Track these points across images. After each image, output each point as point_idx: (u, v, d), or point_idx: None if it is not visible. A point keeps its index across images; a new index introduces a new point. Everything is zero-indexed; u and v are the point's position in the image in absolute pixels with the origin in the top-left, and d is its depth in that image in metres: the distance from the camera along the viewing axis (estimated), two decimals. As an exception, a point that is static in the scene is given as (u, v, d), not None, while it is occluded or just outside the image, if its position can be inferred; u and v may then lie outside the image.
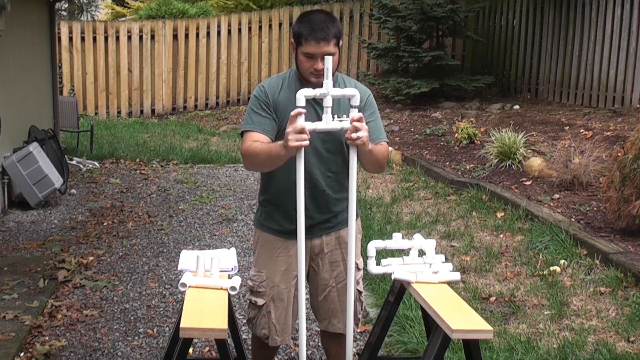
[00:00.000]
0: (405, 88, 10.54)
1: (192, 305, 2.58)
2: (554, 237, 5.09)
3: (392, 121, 10.12)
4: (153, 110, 12.69)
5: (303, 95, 2.53)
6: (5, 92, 6.68)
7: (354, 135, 2.56)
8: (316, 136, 2.70)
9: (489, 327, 2.49)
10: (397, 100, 10.87)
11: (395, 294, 2.95)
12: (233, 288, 2.74)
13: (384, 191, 7.09)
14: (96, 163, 8.54)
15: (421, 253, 2.95)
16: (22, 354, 3.63)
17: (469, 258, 5.02)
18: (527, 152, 7.17)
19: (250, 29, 12.79)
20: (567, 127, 8.07)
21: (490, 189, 6.45)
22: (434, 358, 2.52)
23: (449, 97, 10.92)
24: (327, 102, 2.55)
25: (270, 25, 12.85)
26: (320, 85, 2.59)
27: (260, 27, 12.84)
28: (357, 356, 3.56)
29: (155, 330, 3.99)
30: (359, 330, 3.84)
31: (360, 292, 3.01)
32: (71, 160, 8.40)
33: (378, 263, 2.93)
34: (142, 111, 12.66)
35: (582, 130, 7.77)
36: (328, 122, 2.58)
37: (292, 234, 2.75)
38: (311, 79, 2.69)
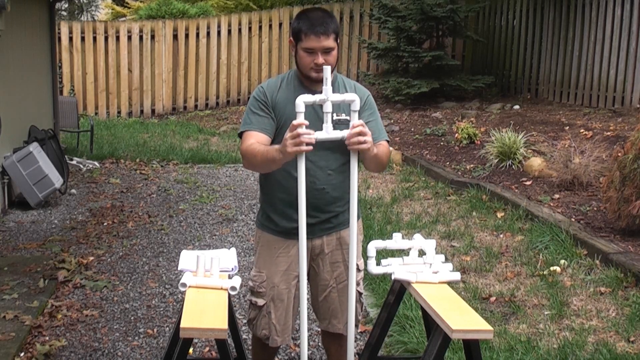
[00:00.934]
0: (405, 88, 10.53)
1: (192, 305, 2.58)
2: (554, 237, 5.09)
3: (392, 121, 10.12)
4: (153, 110, 12.69)
5: (302, 101, 2.52)
6: (5, 92, 6.68)
7: (361, 138, 2.56)
8: (316, 129, 2.72)
9: (489, 327, 2.49)
10: (397, 100, 10.87)
11: (395, 294, 2.95)
12: (233, 288, 2.74)
13: (384, 191, 7.10)
14: (96, 163, 8.54)
15: (421, 253, 2.95)
16: (22, 354, 3.63)
17: (469, 258, 5.02)
18: (527, 152, 7.17)
19: (250, 29, 12.79)
20: (567, 127, 8.07)
21: (491, 189, 6.45)
22: (434, 358, 2.52)
23: (449, 97, 10.92)
24: (327, 108, 2.54)
25: (270, 25, 12.85)
26: (321, 81, 2.61)
27: (260, 27, 12.84)
28: (357, 356, 3.55)
29: (155, 330, 3.99)
30: (359, 331, 3.84)
31: (360, 293, 3.01)
32: (71, 160, 8.40)
33: (378, 263, 2.93)
34: (142, 111, 12.66)
35: (582, 130, 7.77)
36: (329, 132, 2.58)
37: (292, 234, 2.76)
38: (311, 74, 2.71)
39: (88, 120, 10.40)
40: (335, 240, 2.91)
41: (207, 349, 3.75)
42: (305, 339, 2.65)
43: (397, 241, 2.92)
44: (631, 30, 8.75)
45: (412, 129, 9.68)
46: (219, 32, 12.69)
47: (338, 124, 2.72)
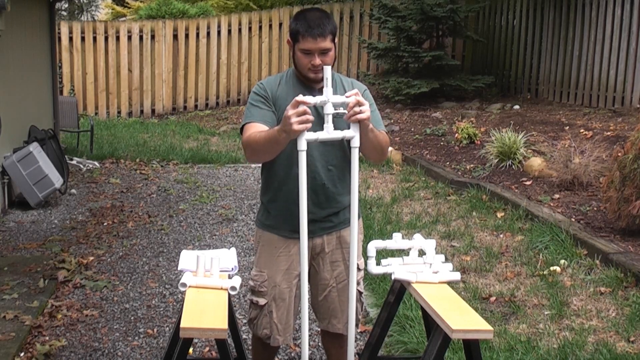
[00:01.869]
0: (405, 88, 10.54)
1: (192, 305, 2.58)
2: (554, 237, 5.09)
3: (392, 121, 10.12)
4: (153, 110, 12.69)
5: (302, 99, 2.48)
6: (5, 92, 6.68)
7: (357, 109, 2.51)
8: (316, 128, 2.71)
9: (489, 327, 2.49)
10: (397, 100, 10.87)
11: (395, 294, 2.95)
12: (233, 288, 2.74)
13: (384, 191, 7.10)
14: (96, 163, 8.54)
15: (421, 253, 2.95)
16: (22, 354, 3.63)
17: (469, 258, 5.02)
18: (527, 152, 7.17)
19: (250, 29, 12.79)
20: (567, 127, 8.07)
21: (491, 189, 6.45)
22: (434, 358, 2.52)
23: (449, 97, 10.92)
24: (328, 110, 2.52)
25: (270, 25, 12.85)
26: (319, 81, 2.64)
27: (260, 27, 12.84)
28: (357, 356, 3.55)
29: (155, 330, 3.99)
30: (359, 331, 3.84)
31: (360, 293, 3.01)
32: (71, 160, 8.40)
33: (378, 263, 2.93)
34: (142, 111, 12.66)
35: (582, 130, 7.77)
36: (330, 132, 2.55)
37: (293, 233, 2.75)
38: (309, 75, 2.73)
39: (88, 120, 10.40)
40: (335, 240, 2.90)
41: (207, 349, 3.75)
42: (306, 339, 2.64)
43: (397, 241, 2.92)
44: (631, 30, 8.76)
45: (412, 129, 9.68)
46: (219, 32, 12.69)
47: (336, 118, 2.73)
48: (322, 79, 2.74)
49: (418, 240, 2.94)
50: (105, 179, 7.80)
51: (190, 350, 3.08)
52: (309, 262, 2.92)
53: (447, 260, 3.57)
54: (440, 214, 6.12)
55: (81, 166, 8.33)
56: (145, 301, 4.41)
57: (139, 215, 6.35)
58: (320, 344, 3.71)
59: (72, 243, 5.52)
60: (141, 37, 12.43)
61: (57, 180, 6.66)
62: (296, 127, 2.45)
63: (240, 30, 12.76)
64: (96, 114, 12.33)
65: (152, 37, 12.46)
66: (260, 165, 2.95)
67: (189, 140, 10.10)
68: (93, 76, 12.38)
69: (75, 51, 12.25)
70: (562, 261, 4.73)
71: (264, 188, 2.95)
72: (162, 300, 4.44)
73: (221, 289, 2.74)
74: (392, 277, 2.90)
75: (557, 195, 6.04)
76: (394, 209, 6.38)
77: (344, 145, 2.75)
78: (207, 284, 2.75)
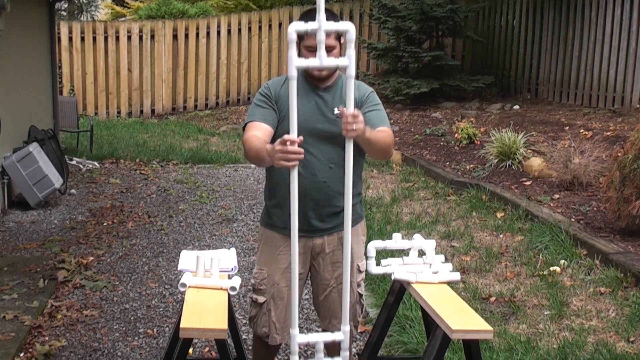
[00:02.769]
0: (405, 88, 10.54)
1: (192, 305, 2.58)
2: (554, 237, 5.09)
3: (392, 121, 10.11)
4: (153, 110, 12.68)
5: (294, 29, 2.23)
6: (5, 92, 6.68)
7: (348, 127, 2.39)
8: (317, 126, 2.75)
9: (488, 327, 2.49)
10: (397, 101, 10.87)
11: (395, 294, 2.95)
12: (233, 288, 2.74)
13: (384, 191, 7.09)
14: (96, 163, 8.54)
15: (421, 253, 2.95)
16: (22, 354, 3.63)
17: (469, 258, 5.02)
18: (527, 152, 7.17)
19: (250, 29, 12.79)
20: (567, 127, 8.07)
21: (490, 189, 6.45)
22: (434, 358, 2.52)
23: (449, 97, 10.92)
24: (320, 36, 2.25)
25: (270, 25, 12.84)
26: (322, 79, 2.71)
27: (260, 27, 12.84)
28: (357, 356, 3.55)
29: (155, 330, 3.99)
30: (359, 331, 3.84)
31: (360, 295, 3.01)
32: (71, 160, 8.40)
33: (378, 263, 2.93)
34: (142, 111, 12.65)
35: (582, 130, 7.77)
36: (322, 60, 2.28)
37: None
38: (313, 72, 2.76)
39: (88, 120, 10.40)
40: (336, 240, 2.90)
41: (207, 349, 3.75)
42: (296, 328, 2.60)
43: (397, 241, 2.92)
44: (631, 30, 8.75)
45: (412, 129, 9.68)
46: (218, 32, 12.68)
47: (339, 118, 2.74)
48: (325, 78, 2.75)
49: (418, 241, 2.94)
50: (105, 179, 7.80)
51: (190, 350, 3.08)
52: (310, 262, 2.94)
53: (447, 260, 3.56)
54: (440, 214, 6.12)
55: (81, 166, 8.33)
56: (145, 301, 4.41)
57: (139, 215, 6.35)
58: (320, 344, 3.71)
59: (72, 243, 5.52)
60: (141, 37, 12.43)
61: (56, 180, 6.66)
62: (280, 163, 2.34)
63: (240, 30, 12.75)
64: (96, 114, 12.32)
65: (152, 37, 12.46)
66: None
67: (188, 141, 10.09)
68: (93, 76, 12.38)
69: (75, 51, 12.25)
70: (562, 261, 4.73)
71: (267, 187, 2.99)
72: (162, 300, 4.44)
73: (221, 289, 2.74)
74: (392, 278, 2.90)
75: (557, 196, 6.04)
76: (393, 209, 6.38)
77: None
78: (207, 284, 2.75)
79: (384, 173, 7.93)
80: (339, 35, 2.72)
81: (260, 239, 3.01)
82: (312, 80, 2.82)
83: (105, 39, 12.33)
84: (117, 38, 12.35)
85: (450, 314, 2.53)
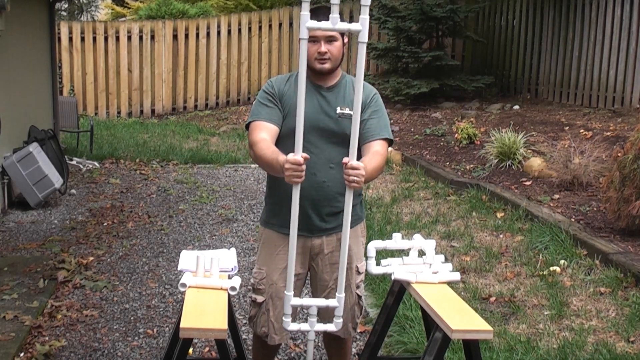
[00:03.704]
0: (405, 88, 10.54)
1: (192, 305, 2.58)
2: (554, 237, 5.09)
3: (392, 121, 10.11)
4: (153, 111, 12.69)
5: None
6: (5, 92, 6.68)
7: (350, 178, 2.49)
8: (319, 125, 2.76)
9: (488, 327, 2.49)
10: (397, 101, 10.87)
11: (395, 294, 2.95)
12: (233, 288, 2.74)
13: (384, 191, 7.10)
14: (96, 163, 8.54)
15: (421, 253, 2.95)
16: (22, 354, 3.63)
17: (469, 258, 5.02)
18: (527, 152, 7.17)
19: (250, 29, 12.79)
20: (567, 127, 8.07)
21: (490, 189, 6.45)
22: (434, 358, 2.52)
23: (449, 97, 10.92)
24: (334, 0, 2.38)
25: (270, 26, 12.85)
26: (325, 72, 2.75)
27: (260, 27, 12.84)
28: (357, 356, 3.56)
29: (155, 330, 3.99)
30: (358, 331, 3.84)
31: (359, 297, 3.00)
32: (71, 160, 8.40)
33: (378, 263, 2.93)
34: (142, 111, 12.66)
35: (582, 131, 7.77)
36: (334, 23, 2.41)
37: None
38: (316, 65, 2.77)
39: (88, 120, 10.40)
40: (335, 241, 2.89)
41: (207, 349, 3.75)
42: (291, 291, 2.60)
43: (397, 241, 2.92)
44: (631, 30, 8.76)
45: (412, 129, 9.68)
46: (218, 32, 12.68)
47: (341, 117, 2.79)
48: (327, 72, 2.76)
49: (418, 241, 2.94)
50: (105, 179, 7.80)
51: (190, 350, 3.08)
52: (309, 263, 2.94)
53: (447, 260, 3.57)
54: (440, 214, 6.12)
55: (81, 166, 8.33)
56: (145, 301, 4.41)
57: (139, 215, 6.35)
58: (320, 344, 3.72)
59: (72, 243, 5.52)
60: (141, 37, 12.43)
61: (56, 180, 6.66)
62: (289, 179, 2.48)
63: (240, 30, 12.76)
64: (96, 114, 12.32)
65: (152, 37, 12.46)
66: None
67: (188, 141, 10.10)
68: (93, 76, 12.38)
69: (75, 51, 12.25)
70: (562, 261, 4.73)
71: (268, 187, 3.01)
72: (162, 300, 4.44)
73: (221, 289, 2.74)
74: (392, 278, 2.90)
75: (557, 196, 6.04)
76: (393, 209, 6.38)
77: (347, 143, 2.74)
78: (207, 284, 2.75)
79: (384, 173, 7.93)
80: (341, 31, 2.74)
81: (259, 239, 3.02)
82: (315, 79, 2.82)
83: (106, 39, 12.33)
84: (117, 38, 12.35)
85: (450, 314, 2.53)
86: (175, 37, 12.54)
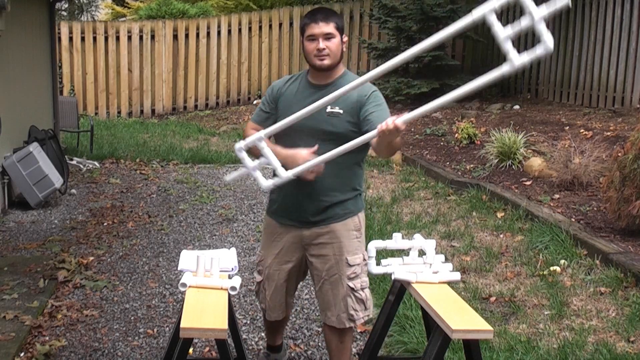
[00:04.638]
0: (405, 88, 10.54)
1: (192, 305, 2.58)
2: (554, 237, 5.09)
3: (392, 121, 10.12)
4: (153, 110, 12.69)
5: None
6: (5, 92, 6.68)
7: (382, 124, 2.59)
8: (311, 123, 2.83)
9: (489, 327, 2.49)
10: (397, 101, 10.86)
11: (395, 294, 2.96)
12: (233, 288, 2.74)
13: (384, 191, 7.09)
14: (96, 163, 8.54)
15: (421, 253, 2.96)
16: (22, 354, 3.63)
17: (469, 258, 5.02)
18: (527, 152, 7.17)
19: (250, 29, 12.80)
20: (567, 127, 8.07)
21: (490, 189, 6.45)
22: (434, 358, 2.52)
23: (449, 97, 10.90)
24: None
25: (270, 26, 12.85)
26: (324, 69, 2.87)
27: (260, 27, 12.84)
28: (357, 356, 3.56)
29: (155, 330, 3.99)
30: (358, 331, 3.84)
31: (353, 289, 3.01)
32: (71, 160, 8.40)
33: (378, 263, 2.93)
34: (142, 111, 12.66)
35: (582, 130, 7.77)
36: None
37: (287, 220, 3.01)
38: (315, 62, 2.88)
39: (88, 120, 10.40)
40: (325, 233, 2.98)
41: (207, 349, 3.75)
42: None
43: (397, 241, 2.93)
44: (631, 30, 8.75)
45: (412, 129, 9.67)
46: (219, 32, 12.69)
47: (330, 116, 2.88)
48: (327, 68, 2.84)
49: (418, 241, 2.94)
50: (105, 179, 7.80)
51: (190, 350, 3.09)
52: (304, 253, 3.09)
53: (447, 260, 3.57)
54: (440, 214, 6.12)
55: (81, 166, 8.33)
56: (145, 301, 4.41)
57: (139, 215, 6.35)
58: (320, 344, 3.72)
59: (72, 243, 5.52)
60: (141, 37, 12.43)
61: (57, 180, 6.66)
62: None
63: (240, 30, 12.76)
64: (96, 114, 12.33)
65: (152, 37, 12.46)
66: None
67: (189, 141, 10.10)
68: (93, 76, 12.38)
69: (75, 51, 12.25)
70: (562, 261, 4.73)
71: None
72: (162, 300, 4.44)
73: (221, 289, 2.74)
74: (392, 277, 2.91)
75: (557, 195, 6.04)
76: (394, 209, 6.38)
77: (337, 141, 2.77)
78: (207, 284, 2.75)
79: (384, 173, 7.93)
80: (338, 27, 2.89)
81: (264, 225, 3.25)
82: (313, 78, 2.96)
83: (106, 39, 12.33)
84: (118, 38, 12.35)
85: (450, 314, 2.53)
86: (175, 37, 12.54)
